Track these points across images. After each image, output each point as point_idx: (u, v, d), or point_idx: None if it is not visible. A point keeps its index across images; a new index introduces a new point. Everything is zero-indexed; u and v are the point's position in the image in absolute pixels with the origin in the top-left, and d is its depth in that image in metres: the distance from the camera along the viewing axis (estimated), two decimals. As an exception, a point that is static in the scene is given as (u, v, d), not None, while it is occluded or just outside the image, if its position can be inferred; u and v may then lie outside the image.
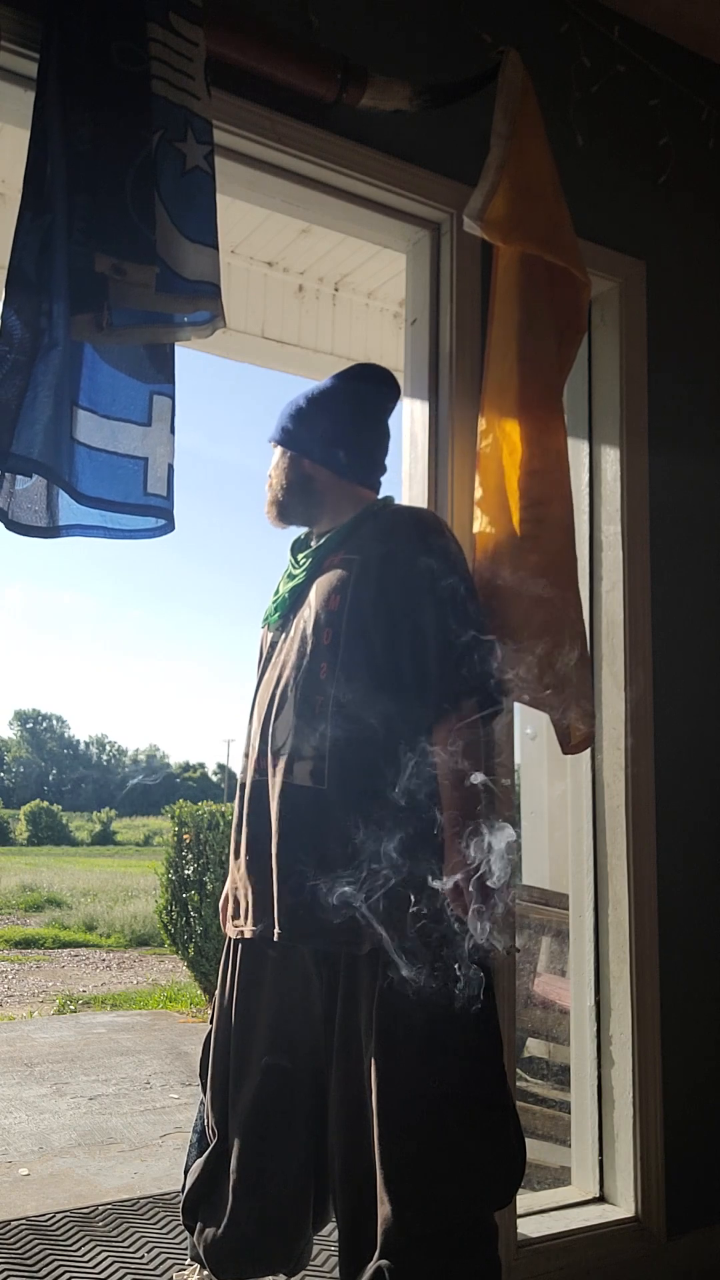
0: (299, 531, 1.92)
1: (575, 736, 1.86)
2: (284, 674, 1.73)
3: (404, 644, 1.63)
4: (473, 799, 1.57)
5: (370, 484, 1.85)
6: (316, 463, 1.82)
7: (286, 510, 1.86)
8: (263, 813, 1.71)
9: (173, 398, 1.61)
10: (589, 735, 1.87)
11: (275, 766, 1.69)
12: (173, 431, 1.61)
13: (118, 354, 1.57)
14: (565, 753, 1.87)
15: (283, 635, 1.78)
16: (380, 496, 1.87)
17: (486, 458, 1.93)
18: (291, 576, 1.82)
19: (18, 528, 1.52)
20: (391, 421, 1.91)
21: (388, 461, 1.90)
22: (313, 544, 1.85)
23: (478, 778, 1.57)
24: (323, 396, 1.86)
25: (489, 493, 1.91)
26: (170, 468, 1.61)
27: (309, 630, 1.71)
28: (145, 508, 1.59)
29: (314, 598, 1.73)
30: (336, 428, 1.83)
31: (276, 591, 1.85)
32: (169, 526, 1.61)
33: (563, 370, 1.95)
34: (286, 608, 1.80)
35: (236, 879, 1.78)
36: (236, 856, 1.78)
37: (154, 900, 7.24)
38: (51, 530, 1.55)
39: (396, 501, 1.89)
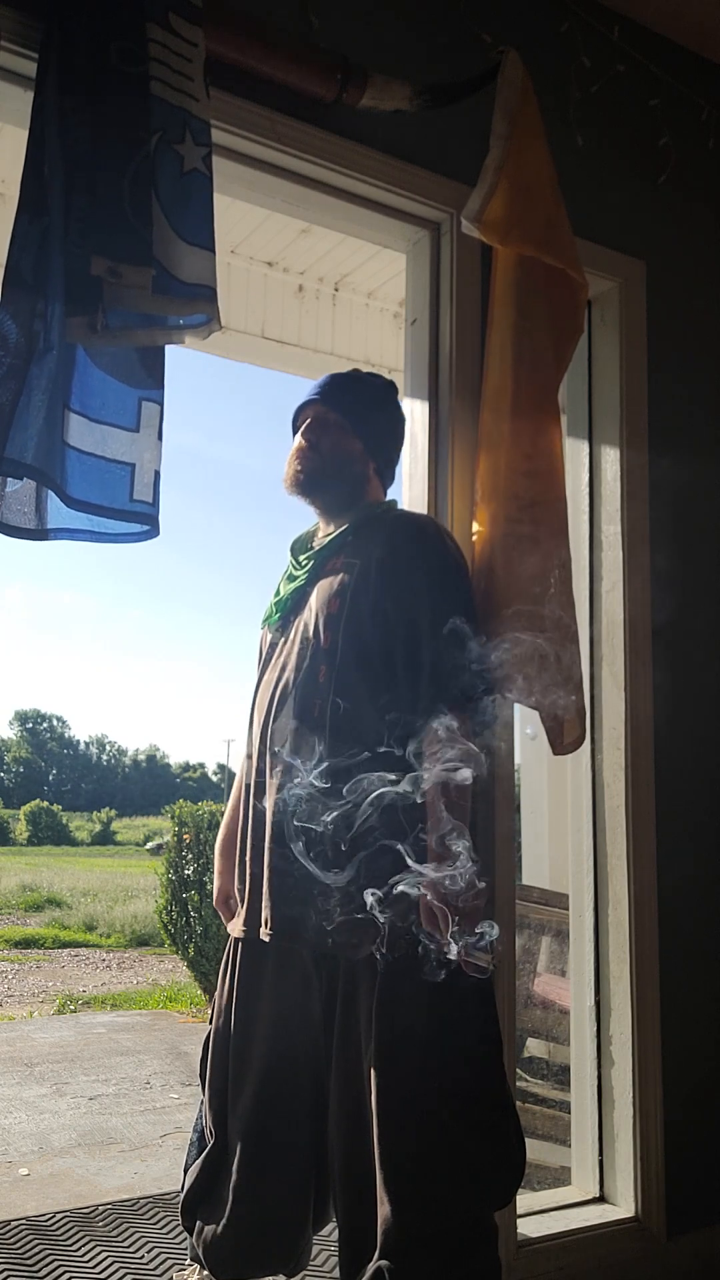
0: (294, 519, 1.92)
1: (567, 737, 1.86)
2: (284, 676, 1.73)
3: (399, 650, 1.63)
4: (461, 809, 1.56)
5: (386, 489, 1.89)
6: (375, 462, 1.83)
7: (324, 482, 1.81)
8: (261, 813, 1.71)
9: (161, 404, 1.61)
10: (580, 736, 1.87)
11: (275, 769, 1.69)
12: (160, 438, 1.61)
13: (109, 358, 1.57)
14: (556, 753, 1.87)
15: (282, 637, 1.78)
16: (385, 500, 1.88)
17: (483, 459, 1.93)
18: (292, 578, 1.82)
19: (7, 529, 1.52)
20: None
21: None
22: (314, 545, 1.85)
23: (466, 785, 1.56)
24: (377, 395, 1.86)
25: (485, 493, 1.91)
26: (157, 474, 1.61)
27: (309, 633, 1.71)
28: (131, 514, 1.59)
29: (314, 601, 1.73)
30: (393, 431, 1.87)
31: (277, 592, 1.85)
32: (153, 532, 1.61)
33: (559, 371, 1.95)
34: (287, 609, 1.80)
35: (237, 879, 1.78)
36: (240, 857, 1.78)
37: (154, 900, 7.25)
38: (40, 532, 1.55)
39: (400, 505, 1.90)
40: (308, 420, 1.83)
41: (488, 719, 1.69)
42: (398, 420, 1.90)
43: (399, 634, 1.64)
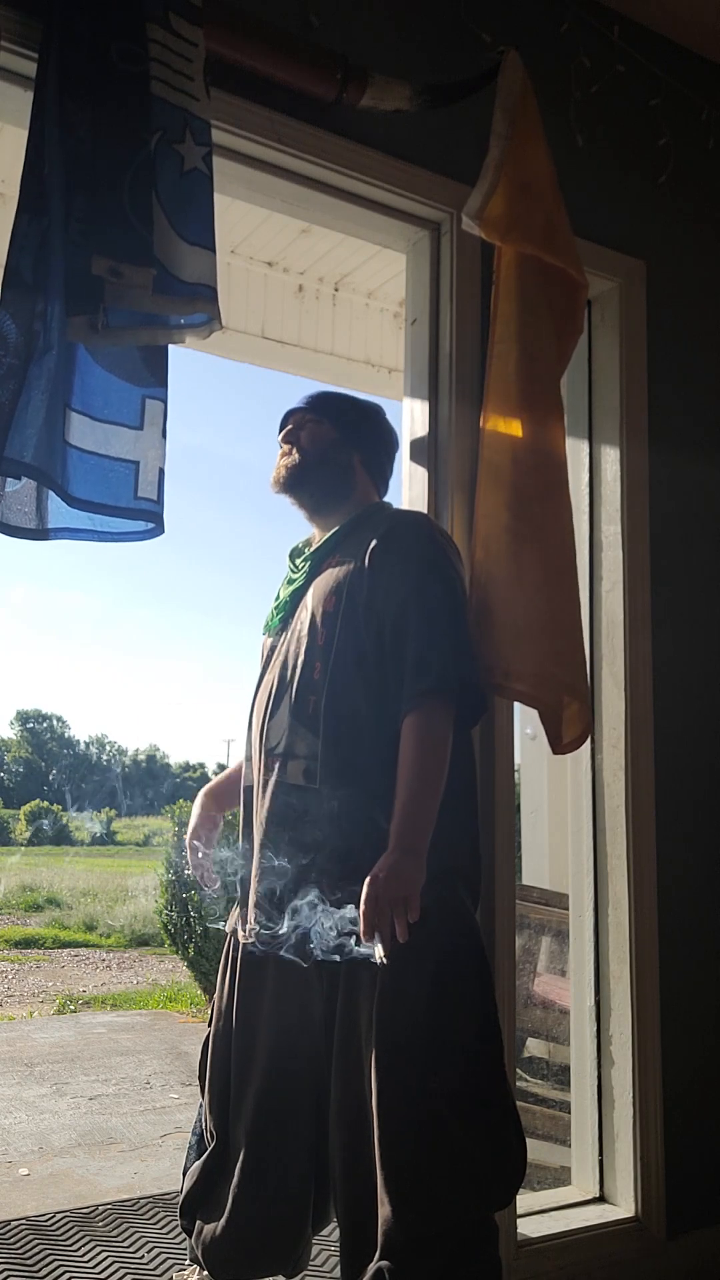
0: (294, 517, 1.92)
1: (568, 736, 1.85)
2: (280, 675, 1.73)
3: (388, 642, 1.63)
4: (424, 812, 1.54)
5: (381, 494, 1.90)
6: (360, 454, 1.84)
7: (309, 479, 1.82)
8: (253, 813, 1.72)
9: (165, 402, 1.61)
10: (582, 736, 1.86)
11: (270, 766, 1.69)
12: (164, 436, 1.60)
13: (111, 357, 1.57)
14: (556, 752, 1.86)
15: (281, 638, 1.79)
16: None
17: (487, 457, 1.93)
18: (291, 581, 1.83)
19: (7, 529, 1.52)
20: (391, 423, 1.97)
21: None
22: (310, 549, 1.85)
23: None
24: (368, 408, 1.90)
25: (488, 491, 1.91)
26: (161, 472, 1.60)
27: (305, 631, 1.71)
28: (136, 511, 1.59)
29: (311, 599, 1.74)
30: (382, 440, 1.89)
31: (277, 597, 1.86)
32: (158, 530, 1.61)
33: (560, 369, 1.95)
34: (286, 611, 1.80)
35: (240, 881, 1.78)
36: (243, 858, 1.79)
37: (154, 900, 7.24)
38: (41, 532, 1.55)
39: (395, 506, 1.90)
40: (287, 426, 1.87)
41: (477, 713, 1.69)
42: (384, 430, 1.91)
43: (388, 626, 1.63)
